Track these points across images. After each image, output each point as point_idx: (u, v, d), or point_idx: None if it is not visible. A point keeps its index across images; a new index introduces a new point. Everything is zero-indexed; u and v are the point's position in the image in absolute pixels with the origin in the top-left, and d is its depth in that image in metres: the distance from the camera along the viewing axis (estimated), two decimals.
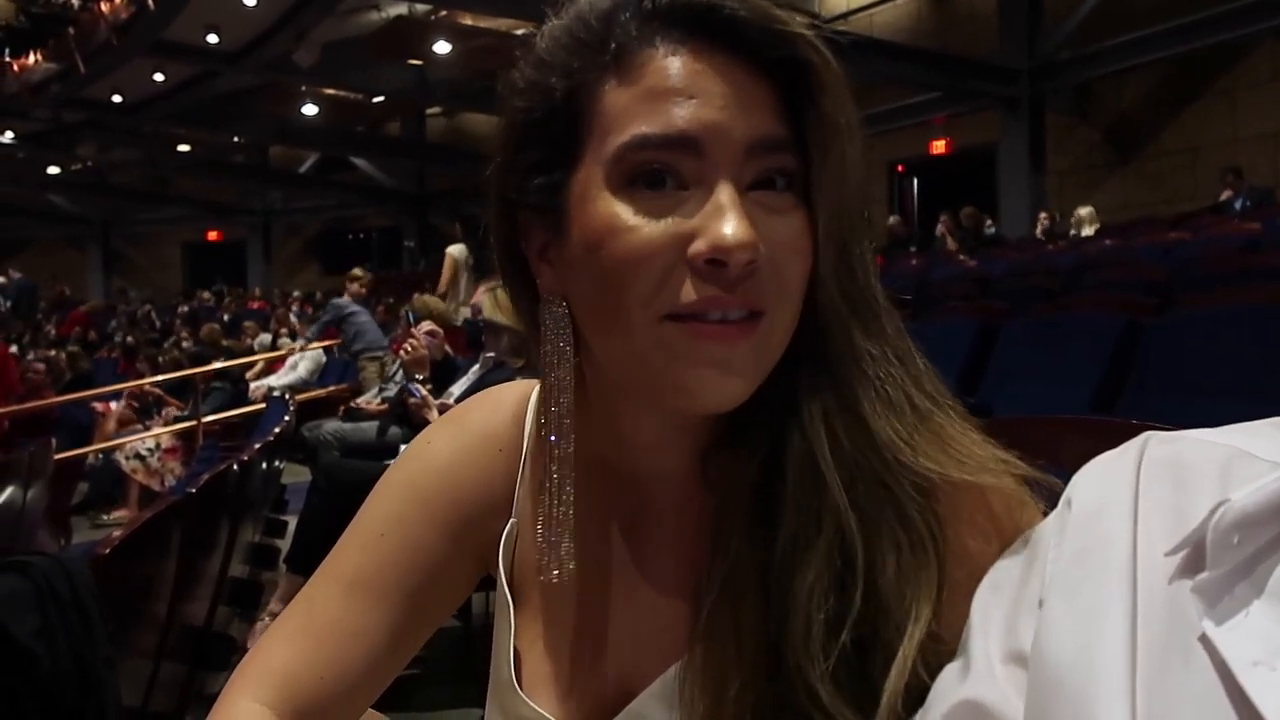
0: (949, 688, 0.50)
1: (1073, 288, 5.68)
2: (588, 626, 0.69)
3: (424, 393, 3.71)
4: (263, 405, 7.19)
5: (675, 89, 0.57)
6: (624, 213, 0.57)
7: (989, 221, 11.84)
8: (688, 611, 0.63)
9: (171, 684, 2.06)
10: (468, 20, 14.60)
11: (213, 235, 24.24)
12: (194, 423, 7.35)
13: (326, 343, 8.72)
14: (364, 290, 8.09)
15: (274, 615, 3.45)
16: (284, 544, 3.83)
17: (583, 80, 0.59)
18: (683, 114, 0.56)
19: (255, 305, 17.02)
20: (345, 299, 7.76)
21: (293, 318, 12.10)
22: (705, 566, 0.62)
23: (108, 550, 1.58)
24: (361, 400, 5.24)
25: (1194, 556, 0.42)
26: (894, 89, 12.89)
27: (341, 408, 5.38)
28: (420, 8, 14.82)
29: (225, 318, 15.50)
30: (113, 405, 8.27)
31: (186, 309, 16.54)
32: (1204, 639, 0.39)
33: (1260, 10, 9.97)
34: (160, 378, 8.48)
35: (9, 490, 3.00)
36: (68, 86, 16.22)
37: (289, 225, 23.48)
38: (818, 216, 0.58)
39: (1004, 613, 0.50)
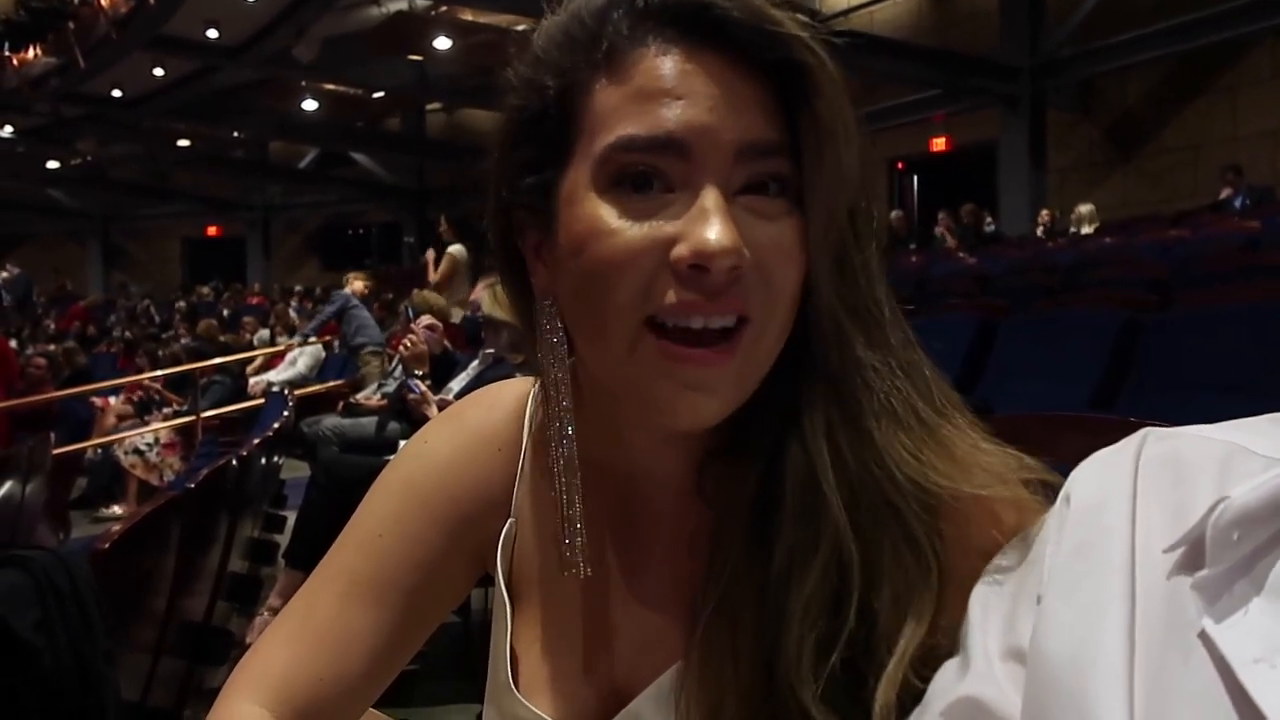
0: (948, 685, 0.50)
1: (1072, 285, 5.68)
2: (585, 628, 0.69)
3: (423, 388, 3.71)
4: (262, 400, 7.20)
5: (664, 89, 0.56)
6: (608, 215, 0.56)
7: (989, 219, 11.85)
8: (684, 615, 0.63)
9: (171, 679, 2.06)
10: (468, 16, 14.58)
11: (212, 230, 24.21)
12: (193, 418, 7.35)
13: (325, 338, 8.72)
14: (366, 290, 8.06)
15: (273, 610, 3.46)
16: (283, 539, 3.84)
17: (575, 79, 0.59)
18: (670, 115, 0.55)
19: (254, 301, 17.01)
20: (348, 291, 7.73)
21: (292, 313, 12.09)
22: (702, 574, 0.61)
23: (107, 545, 1.58)
24: (360, 396, 5.24)
25: (1193, 553, 0.41)
26: (894, 86, 12.88)
27: (340, 403, 5.38)
28: (420, 3, 14.82)
29: (224, 313, 15.51)
30: (112, 400, 8.27)
31: (184, 304, 16.54)
32: (1204, 636, 0.39)
33: (1261, 8, 9.96)
34: (160, 372, 8.48)
35: (8, 485, 2.99)
36: (67, 81, 16.19)
37: (289, 221, 23.47)
38: (811, 223, 0.57)
39: (1003, 609, 0.50)
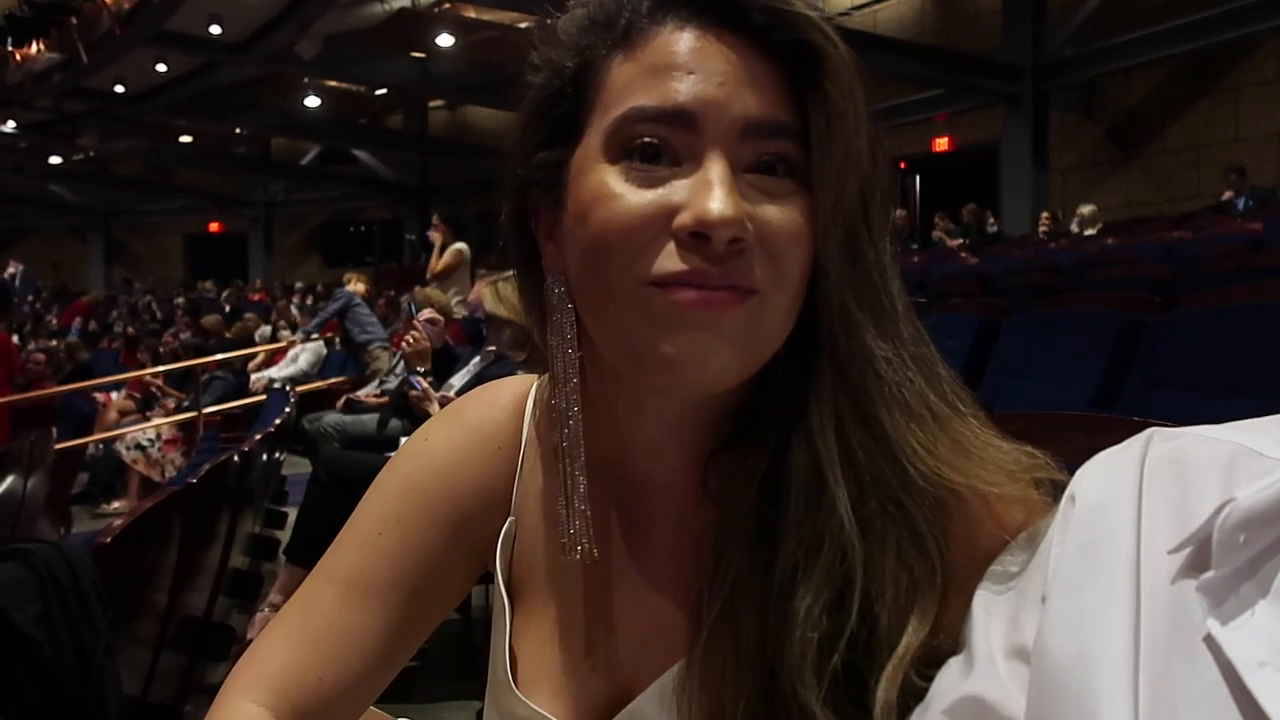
0: (951, 683, 0.50)
1: (1074, 285, 5.67)
2: (586, 626, 0.69)
3: (425, 385, 3.71)
4: (263, 397, 7.20)
5: (676, 64, 0.57)
6: (614, 182, 0.57)
7: (991, 219, 11.85)
8: (687, 614, 0.63)
9: (171, 674, 2.06)
10: (471, 13, 14.58)
11: (214, 227, 24.23)
12: (195, 414, 7.35)
13: (327, 334, 8.71)
14: (367, 291, 8.04)
15: (273, 606, 3.47)
16: (284, 535, 3.84)
17: (592, 57, 0.60)
18: (681, 88, 0.56)
19: (255, 297, 17.02)
20: (351, 289, 7.72)
21: (294, 310, 12.09)
22: (705, 573, 0.61)
23: (109, 539, 1.58)
24: (362, 393, 5.25)
25: (1199, 555, 0.41)
26: (897, 85, 12.87)
27: (342, 400, 5.38)
28: (423, 0, 14.81)
29: (226, 309, 15.51)
30: (113, 396, 8.27)
31: (183, 300, 16.56)
32: (1209, 639, 0.39)
33: (1266, 9, 9.94)
34: (161, 368, 8.48)
35: (10, 479, 3.00)
36: (70, 76, 16.19)
37: (290, 217, 23.48)
38: (818, 205, 0.57)
39: (1007, 608, 0.50)
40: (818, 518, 0.57)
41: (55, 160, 21.47)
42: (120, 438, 6.96)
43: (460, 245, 7.46)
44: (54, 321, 15.23)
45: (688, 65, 0.56)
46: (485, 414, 0.74)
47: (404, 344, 4.05)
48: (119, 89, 16.64)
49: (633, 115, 0.57)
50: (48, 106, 18.05)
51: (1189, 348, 3.32)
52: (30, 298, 17.69)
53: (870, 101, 0.58)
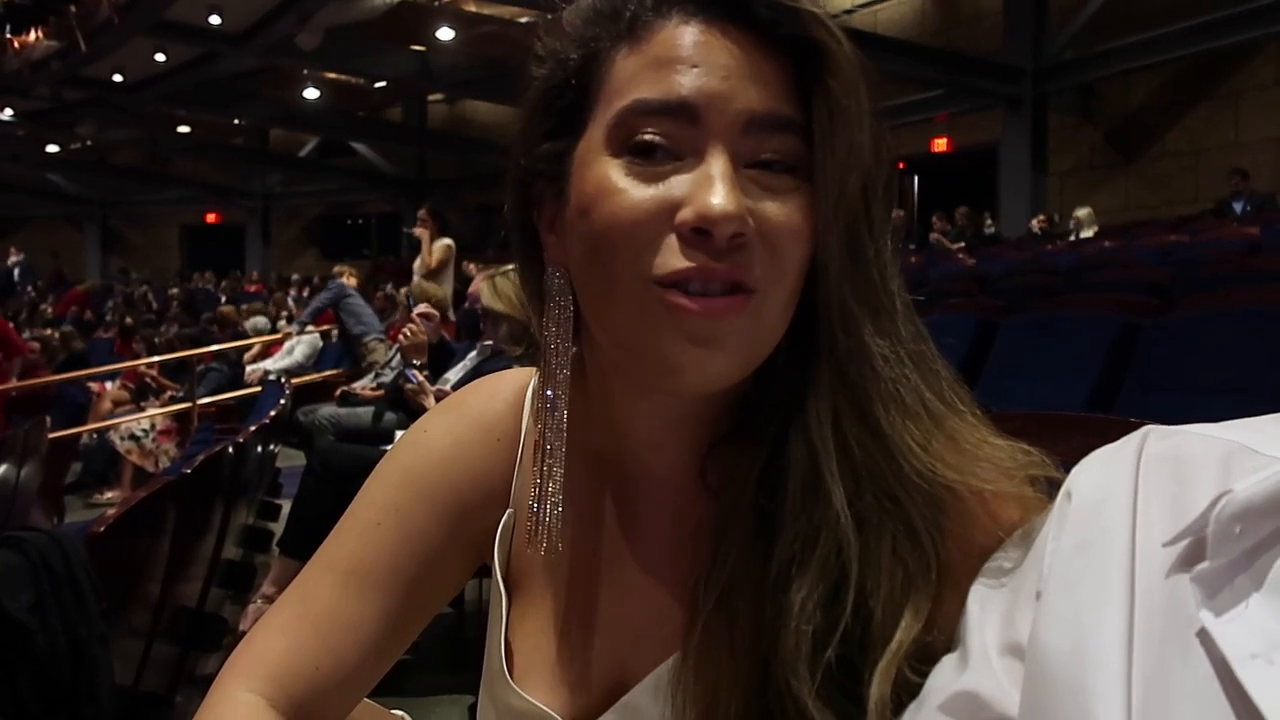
0: (946, 680, 0.50)
1: (1071, 287, 5.68)
2: (582, 618, 0.69)
3: (420, 378, 3.71)
4: (258, 389, 7.19)
5: (680, 58, 0.57)
6: (616, 176, 0.57)
7: (989, 221, 11.87)
8: (683, 607, 0.63)
9: (163, 664, 2.06)
10: (471, 7, 14.57)
11: (211, 218, 24.17)
12: (189, 405, 7.34)
13: (323, 327, 8.70)
14: (358, 284, 7.98)
15: (266, 598, 3.47)
16: (278, 527, 3.84)
17: (597, 49, 0.60)
18: (684, 81, 0.56)
19: (252, 289, 17.00)
20: (344, 280, 7.68)
21: (290, 303, 12.07)
22: (702, 567, 0.61)
23: (102, 529, 1.58)
24: (357, 385, 5.24)
25: (1194, 549, 0.41)
26: (896, 86, 12.87)
27: (337, 392, 5.38)
28: None
29: (223, 300, 15.48)
30: (108, 386, 8.26)
31: (178, 290, 16.55)
32: (1202, 633, 0.39)
33: (1266, 15, 9.97)
34: (157, 359, 8.47)
35: (3, 468, 2.99)
36: (68, 65, 16.14)
37: (288, 209, 23.44)
38: (820, 201, 0.57)
39: (1002, 605, 0.50)
40: (814, 512, 0.57)
41: (53, 149, 21.41)
42: (114, 428, 6.95)
43: (448, 240, 7.47)
44: (49, 310, 15.19)
45: (691, 59, 0.57)
46: (485, 406, 0.74)
47: (401, 337, 4.04)
48: (117, 78, 16.59)
49: (636, 108, 0.57)
50: (45, 95, 18.01)
51: (1185, 351, 3.33)
52: (28, 287, 17.76)
53: (873, 98, 0.59)
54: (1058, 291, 5.54)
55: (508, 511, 0.72)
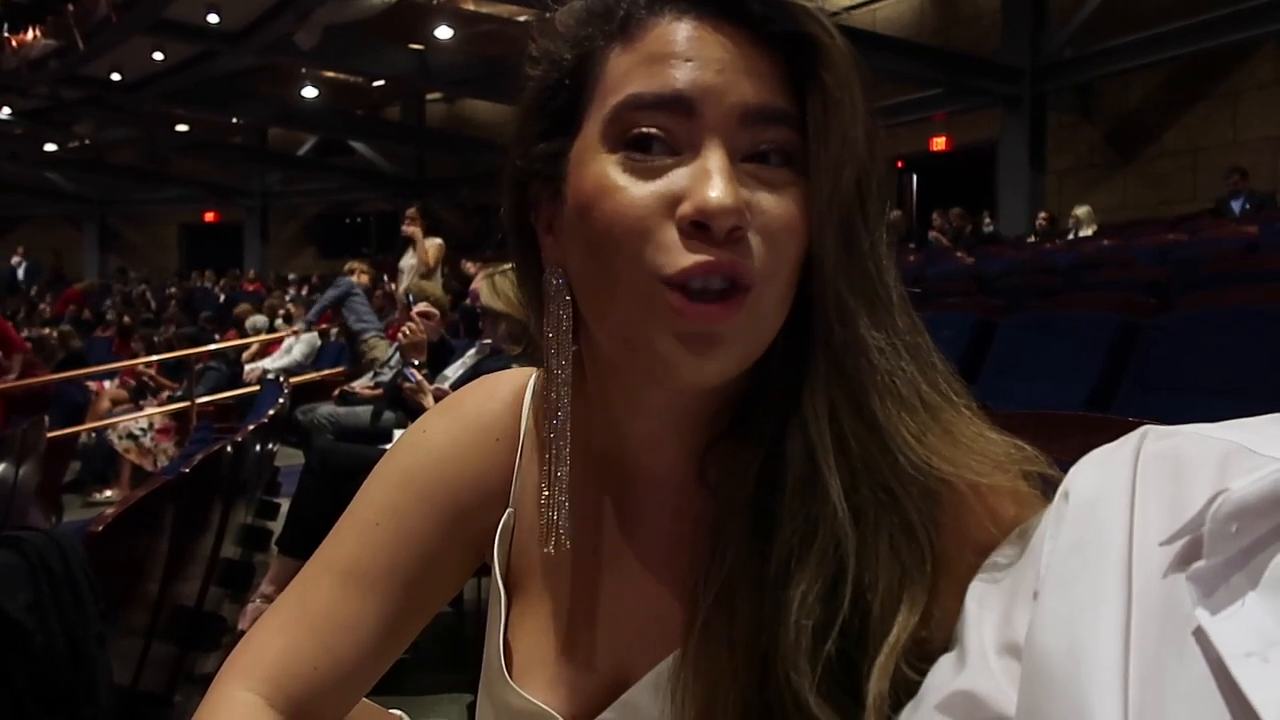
0: (944, 679, 0.50)
1: (1070, 286, 5.69)
2: (582, 617, 0.69)
3: (419, 377, 3.71)
4: (257, 387, 7.19)
5: (674, 53, 0.57)
6: (614, 173, 0.57)
7: (988, 219, 11.87)
8: (682, 605, 0.63)
9: (162, 663, 2.06)
10: (469, 5, 14.57)
11: (210, 216, 24.15)
12: (188, 403, 7.34)
13: (323, 325, 8.68)
14: (370, 281, 7.93)
15: (265, 597, 3.47)
16: (276, 526, 3.84)
17: (590, 49, 0.60)
18: (678, 75, 0.57)
19: (250, 288, 16.98)
20: (352, 278, 7.61)
21: (289, 304, 12.02)
22: (701, 564, 0.61)
23: (100, 528, 1.58)
24: (356, 384, 5.24)
25: (1190, 548, 0.41)
26: (895, 85, 12.87)
27: (336, 391, 5.38)
28: None
29: (221, 299, 15.49)
30: (106, 385, 8.26)
31: (174, 289, 16.55)
32: (1198, 632, 0.39)
33: (1264, 13, 9.97)
34: (155, 357, 8.46)
35: (1, 467, 2.99)
36: (67, 63, 16.11)
37: (287, 208, 23.42)
38: (815, 194, 0.57)
39: (999, 604, 0.51)
40: (812, 506, 0.57)
41: (51, 148, 21.38)
42: (113, 426, 6.94)
43: (439, 240, 7.48)
44: (47, 310, 15.18)
45: (685, 53, 0.57)
46: (484, 406, 0.74)
47: (400, 336, 4.04)
48: (116, 77, 16.57)
49: (630, 103, 0.57)
50: (44, 94, 18.00)
51: (1184, 350, 3.33)
52: (34, 286, 17.87)
53: (867, 92, 0.59)
54: (1056, 291, 5.54)
55: (507, 511, 0.72)
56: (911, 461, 0.56)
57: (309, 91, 18.56)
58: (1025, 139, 12.41)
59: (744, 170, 0.57)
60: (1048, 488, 0.57)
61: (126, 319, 11.45)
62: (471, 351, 3.96)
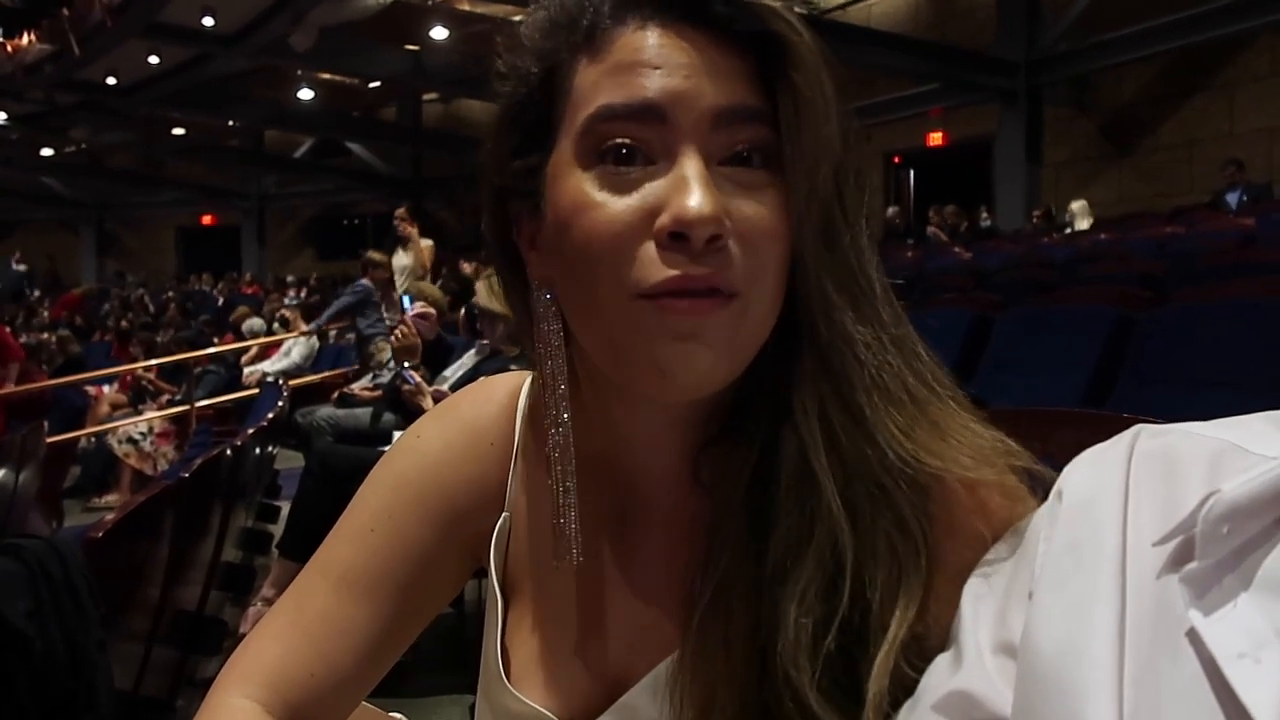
0: (940, 679, 0.50)
1: (1067, 280, 5.69)
2: (580, 620, 0.69)
3: (418, 379, 3.70)
4: (256, 391, 7.18)
5: (641, 61, 0.56)
6: (591, 189, 0.57)
7: (985, 214, 11.87)
8: (679, 607, 0.63)
9: (164, 668, 2.06)
10: (465, 6, 14.54)
11: (207, 219, 24.14)
12: (187, 407, 7.34)
13: (340, 324, 8.61)
14: (388, 274, 7.79)
15: (266, 600, 3.47)
16: (277, 529, 3.84)
17: (557, 61, 0.60)
18: (647, 84, 0.56)
19: (248, 290, 16.97)
20: (368, 282, 7.52)
21: (286, 309, 12.00)
22: (698, 566, 0.61)
23: (100, 533, 1.58)
24: (355, 386, 5.24)
25: (1183, 548, 0.42)
26: (891, 80, 12.88)
27: (335, 393, 5.38)
28: None
29: (219, 302, 15.48)
30: (105, 389, 8.25)
31: (172, 293, 16.55)
32: (1191, 633, 0.39)
33: (1259, 5, 9.96)
34: (154, 361, 8.46)
35: (1, 473, 2.99)
36: (62, 68, 16.09)
37: (284, 210, 23.40)
38: (792, 192, 0.57)
39: (995, 604, 0.51)
40: (807, 504, 0.57)
41: (47, 152, 21.36)
42: (112, 431, 6.94)
43: (430, 241, 7.47)
44: (45, 315, 15.16)
45: (653, 61, 0.56)
46: (479, 410, 0.74)
47: (393, 338, 4.04)
48: (111, 81, 16.54)
49: (601, 114, 0.56)
50: (39, 98, 17.97)
51: (1181, 343, 3.34)
52: (35, 291, 17.93)
53: (840, 87, 0.58)
54: (1053, 285, 5.54)
55: (503, 515, 0.72)
56: (900, 456, 0.56)
57: (305, 93, 18.55)
58: (1021, 133, 12.40)
59: (721, 174, 0.56)
60: (1034, 482, 0.57)
61: (125, 323, 11.44)
62: (471, 353, 3.96)
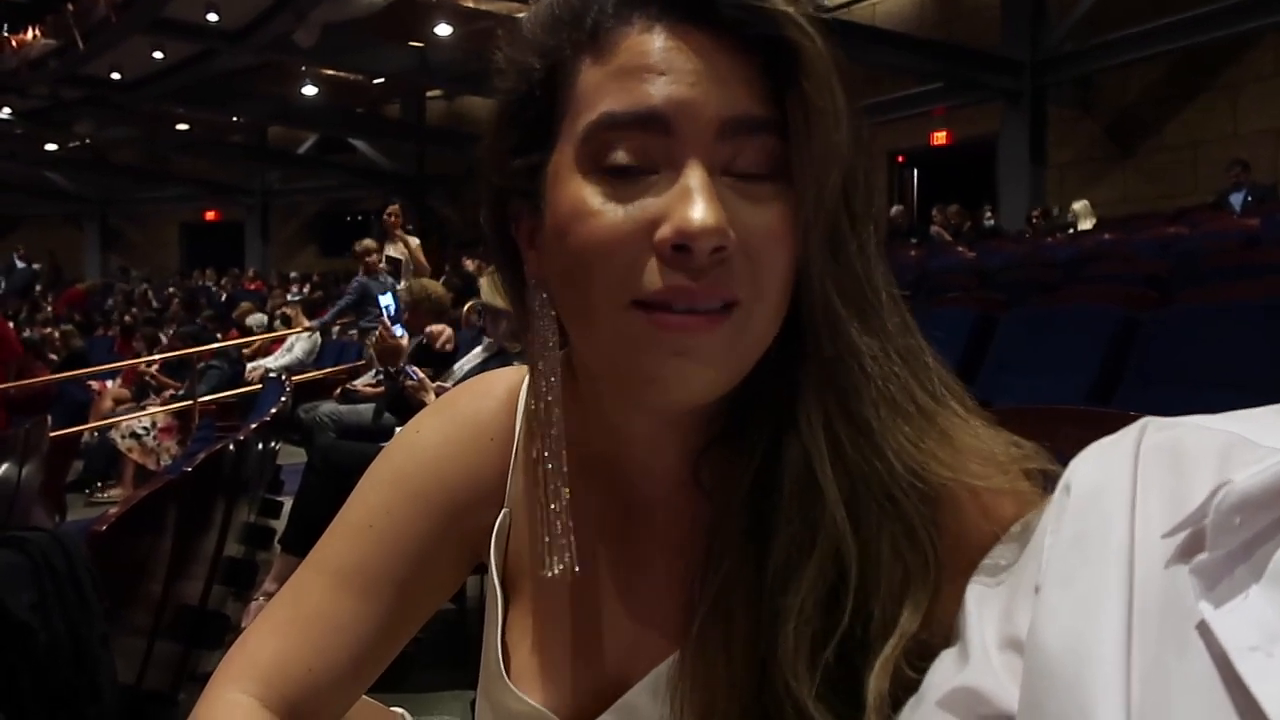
0: (945, 676, 0.50)
1: (1071, 280, 5.68)
2: (580, 619, 0.69)
3: (421, 375, 3.70)
4: (259, 386, 7.19)
5: (647, 66, 0.55)
6: (591, 196, 0.55)
7: (989, 214, 11.86)
8: (681, 607, 0.62)
9: (166, 662, 2.06)
10: (469, 2, 14.53)
11: (210, 215, 24.15)
12: (190, 402, 7.34)
13: (344, 320, 8.61)
14: (379, 260, 7.78)
15: (268, 595, 3.47)
16: (279, 524, 3.84)
17: (560, 59, 0.58)
18: (652, 91, 0.54)
19: (251, 286, 16.98)
20: (364, 278, 7.54)
21: (288, 305, 11.98)
22: (699, 567, 0.61)
23: (104, 527, 1.58)
24: (358, 382, 5.24)
25: (1193, 540, 0.41)
26: (895, 79, 12.85)
27: (338, 389, 5.37)
28: None
29: (223, 298, 15.48)
30: (109, 384, 8.26)
31: (173, 289, 16.56)
32: (1201, 625, 0.39)
33: (1264, 5, 9.93)
34: (157, 356, 8.46)
35: (4, 467, 2.99)
36: (66, 63, 16.08)
37: (287, 206, 23.40)
38: (800, 204, 0.55)
39: (1001, 600, 0.50)
40: (809, 514, 0.57)
41: (51, 147, 21.36)
42: (115, 426, 6.95)
43: (415, 239, 7.53)
44: (49, 310, 15.17)
45: (659, 66, 0.54)
46: (478, 405, 0.74)
47: (369, 341, 4.01)
48: (115, 76, 16.54)
49: (604, 122, 0.55)
50: (44, 93, 17.98)
51: (1184, 344, 3.33)
52: (38, 287, 18.00)
53: (851, 92, 0.57)
54: (1057, 285, 5.53)
55: (503, 511, 0.71)
56: (909, 467, 0.55)
57: (309, 89, 18.55)
58: (1025, 133, 12.38)
59: (725, 184, 0.55)
60: (1049, 484, 0.56)
61: (128, 318, 11.45)
62: (478, 349, 3.96)
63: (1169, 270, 5.37)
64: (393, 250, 7.59)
